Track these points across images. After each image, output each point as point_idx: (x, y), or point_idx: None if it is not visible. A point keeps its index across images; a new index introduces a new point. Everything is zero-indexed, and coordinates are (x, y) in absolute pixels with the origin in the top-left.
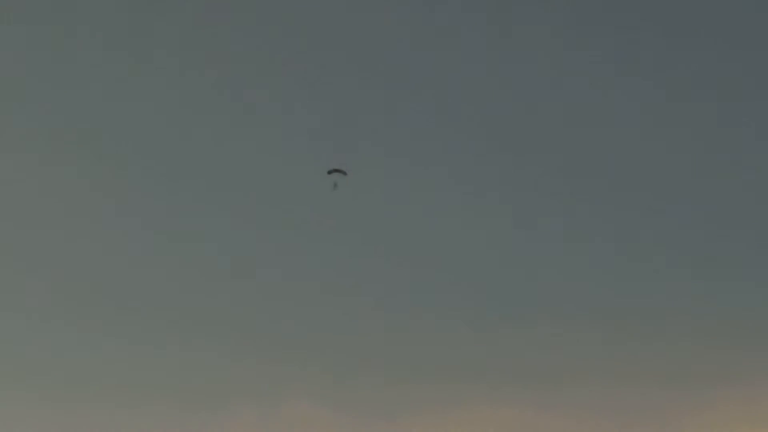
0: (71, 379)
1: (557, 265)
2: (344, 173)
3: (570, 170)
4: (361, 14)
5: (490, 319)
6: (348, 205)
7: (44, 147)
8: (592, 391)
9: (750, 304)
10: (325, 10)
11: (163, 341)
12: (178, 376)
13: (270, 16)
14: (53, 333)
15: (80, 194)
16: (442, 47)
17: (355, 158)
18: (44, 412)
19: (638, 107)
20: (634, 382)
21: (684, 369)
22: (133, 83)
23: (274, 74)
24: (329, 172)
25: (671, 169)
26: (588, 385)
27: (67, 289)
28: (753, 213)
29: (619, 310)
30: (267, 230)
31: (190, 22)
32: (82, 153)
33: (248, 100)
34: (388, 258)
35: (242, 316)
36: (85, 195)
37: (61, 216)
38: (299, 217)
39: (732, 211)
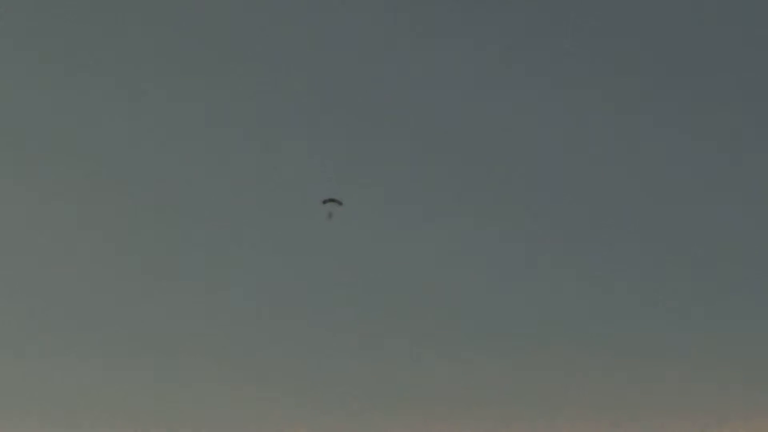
0: (76, 407)
1: (558, 298)
2: (339, 203)
3: (578, 206)
4: (367, 55)
5: (486, 352)
6: (344, 236)
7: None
8: (594, 420)
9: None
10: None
11: (161, 368)
12: (171, 405)
13: (264, 45)
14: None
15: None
16: (434, 76)
17: (351, 188)
18: None
19: (632, 142)
20: (634, 413)
21: (688, 402)
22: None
23: (272, 103)
24: (324, 202)
25: (681, 201)
26: (590, 415)
27: (64, 318)
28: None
29: (618, 340)
30: (258, 262)
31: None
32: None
33: (243, 128)
34: (388, 292)
35: (240, 344)
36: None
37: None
38: (288, 247)
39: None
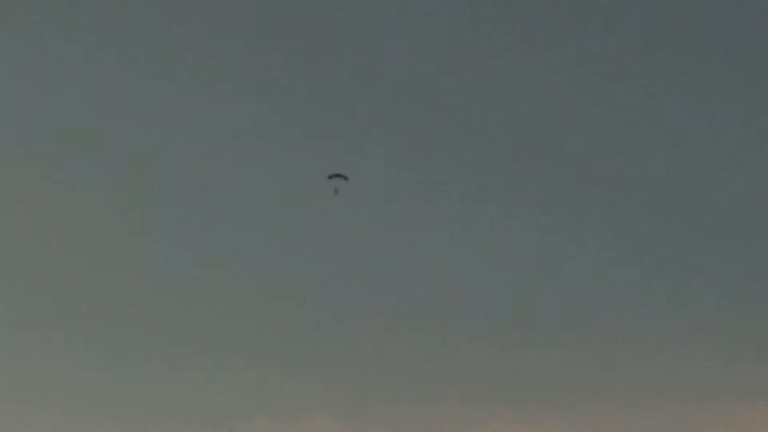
0: (90, 399)
1: (581, 286)
2: (345, 178)
3: (601, 192)
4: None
5: (510, 339)
6: (360, 225)
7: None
8: (616, 408)
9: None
10: (331, 21)
11: (182, 358)
12: (197, 392)
13: (271, 20)
14: (75, 352)
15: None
16: (445, 52)
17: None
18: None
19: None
20: (658, 400)
21: (711, 386)
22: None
23: (276, 80)
24: (330, 177)
25: (702, 193)
26: (611, 403)
27: (83, 309)
28: None
29: (645, 330)
30: (281, 251)
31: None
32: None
33: (249, 106)
34: (411, 279)
35: (261, 333)
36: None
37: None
38: (311, 236)
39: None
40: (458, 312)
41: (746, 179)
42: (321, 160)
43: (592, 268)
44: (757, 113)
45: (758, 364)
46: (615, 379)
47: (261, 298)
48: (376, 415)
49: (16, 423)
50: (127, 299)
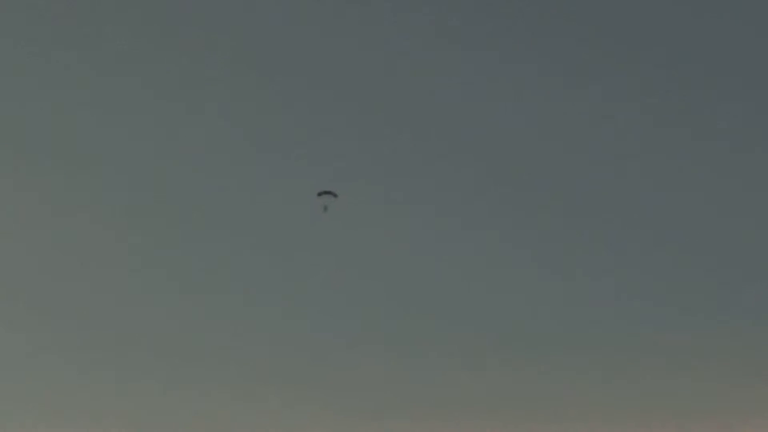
0: (76, 409)
1: (564, 298)
2: (335, 195)
3: (586, 208)
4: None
5: (507, 360)
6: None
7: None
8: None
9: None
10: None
11: (178, 378)
12: (195, 411)
13: (258, 35)
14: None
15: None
16: (437, 61)
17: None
18: None
19: (638, 141)
20: (646, 419)
21: (705, 404)
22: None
23: (264, 90)
24: (319, 194)
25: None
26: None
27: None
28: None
29: (630, 343)
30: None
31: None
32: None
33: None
34: (410, 298)
35: (259, 352)
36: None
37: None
38: (299, 256)
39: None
40: (456, 332)
41: (749, 200)
42: (309, 176)
43: (593, 287)
44: None
45: (762, 382)
46: (613, 398)
47: (259, 319)
48: None
49: None
50: (124, 317)
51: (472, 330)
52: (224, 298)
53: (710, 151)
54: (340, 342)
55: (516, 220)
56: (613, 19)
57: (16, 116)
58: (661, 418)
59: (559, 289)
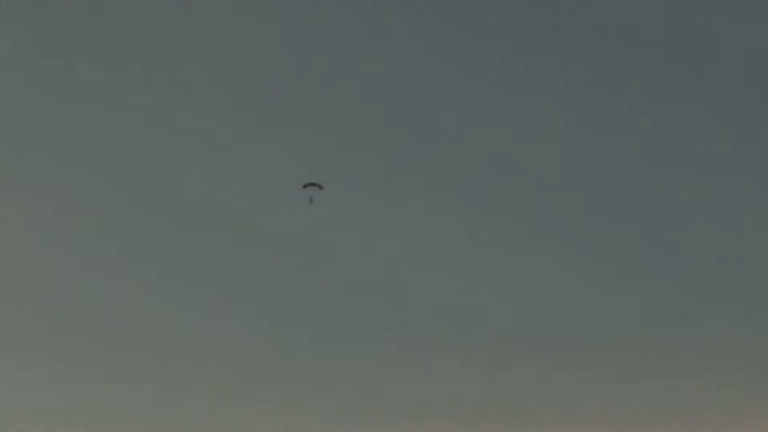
0: (69, 412)
1: (582, 305)
2: (320, 187)
3: (585, 210)
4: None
5: (496, 357)
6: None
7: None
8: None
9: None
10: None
11: (176, 383)
12: (194, 417)
13: (254, 37)
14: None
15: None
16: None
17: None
18: None
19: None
20: (647, 421)
21: (703, 406)
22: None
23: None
24: (305, 186)
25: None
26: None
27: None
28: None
29: (630, 344)
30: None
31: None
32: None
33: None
34: (408, 298)
35: (257, 356)
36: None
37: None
38: (295, 253)
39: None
40: (456, 332)
41: (749, 200)
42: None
43: (594, 286)
44: None
45: (761, 382)
46: (613, 398)
47: (257, 323)
48: None
49: None
50: (121, 323)
51: (471, 330)
52: (222, 298)
53: (710, 151)
54: (339, 342)
55: (516, 220)
56: (613, 20)
57: (16, 116)
58: (662, 418)
59: (558, 289)
